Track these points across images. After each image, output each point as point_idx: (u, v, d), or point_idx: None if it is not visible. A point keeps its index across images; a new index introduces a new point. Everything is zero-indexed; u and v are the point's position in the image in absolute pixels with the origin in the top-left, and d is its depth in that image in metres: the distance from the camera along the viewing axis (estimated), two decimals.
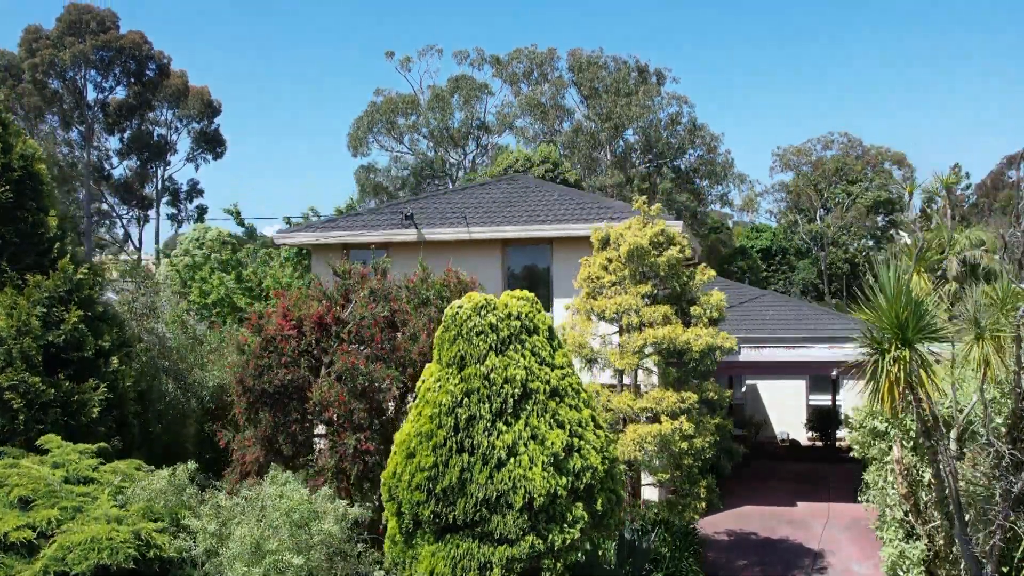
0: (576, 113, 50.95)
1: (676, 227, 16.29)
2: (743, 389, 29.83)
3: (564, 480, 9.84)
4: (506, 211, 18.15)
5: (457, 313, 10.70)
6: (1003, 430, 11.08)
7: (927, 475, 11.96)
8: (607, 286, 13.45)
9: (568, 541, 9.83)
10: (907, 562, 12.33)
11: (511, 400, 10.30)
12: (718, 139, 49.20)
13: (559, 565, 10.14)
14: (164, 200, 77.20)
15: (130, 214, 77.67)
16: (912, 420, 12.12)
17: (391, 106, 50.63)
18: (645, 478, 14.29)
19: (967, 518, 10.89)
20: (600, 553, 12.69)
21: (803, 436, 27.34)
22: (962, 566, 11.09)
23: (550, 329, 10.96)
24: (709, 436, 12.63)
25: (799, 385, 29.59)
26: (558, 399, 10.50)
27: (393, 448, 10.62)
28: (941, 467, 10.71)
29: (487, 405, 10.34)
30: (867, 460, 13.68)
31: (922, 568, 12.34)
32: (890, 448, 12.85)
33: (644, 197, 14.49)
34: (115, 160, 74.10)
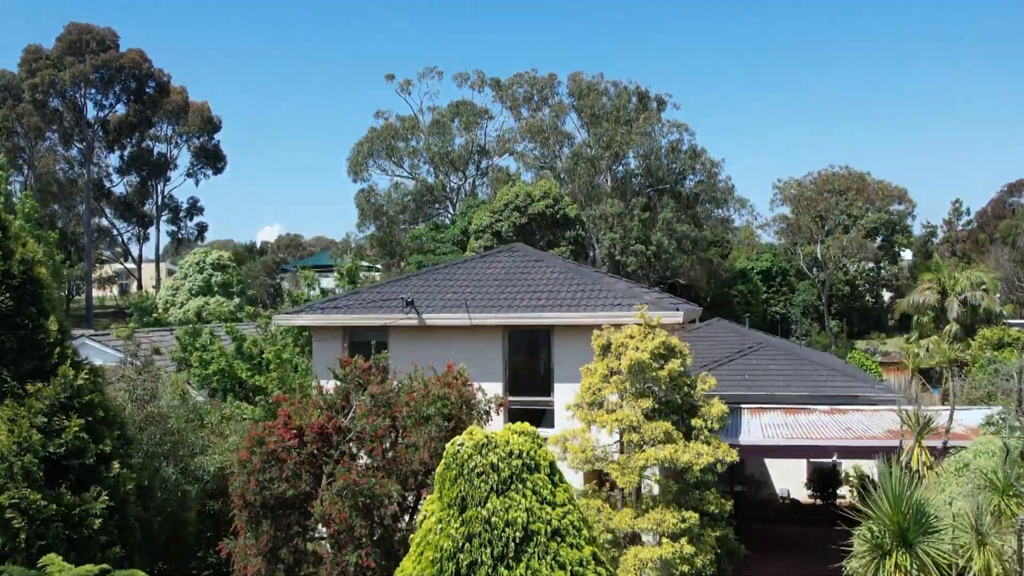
0: (576, 137, 50.91)
1: (677, 317, 16.22)
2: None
3: None
4: (507, 290, 18.11)
5: (458, 451, 10.66)
6: None
7: None
8: (608, 398, 13.46)
9: None
10: None
11: (512, 544, 10.26)
12: (718, 165, 49.17)
13: None
14: (164, 217, 77.21)
15: (130, 231, 77.70)
16: None
17: (391, 132, 50.55)
18: None
19: None
20: None
21: (804, 494, 27.31)
22: None
23: (551, 465, 10.93)
24: (710, 552, 12.64)
25: None
26: (559, 539, 10.46)
27: None
28: None
29: (488, 550, 10.30)
30: None
31: None
32: None
33: (646, 306, 14.45)
34: (115, 178, 74.09)
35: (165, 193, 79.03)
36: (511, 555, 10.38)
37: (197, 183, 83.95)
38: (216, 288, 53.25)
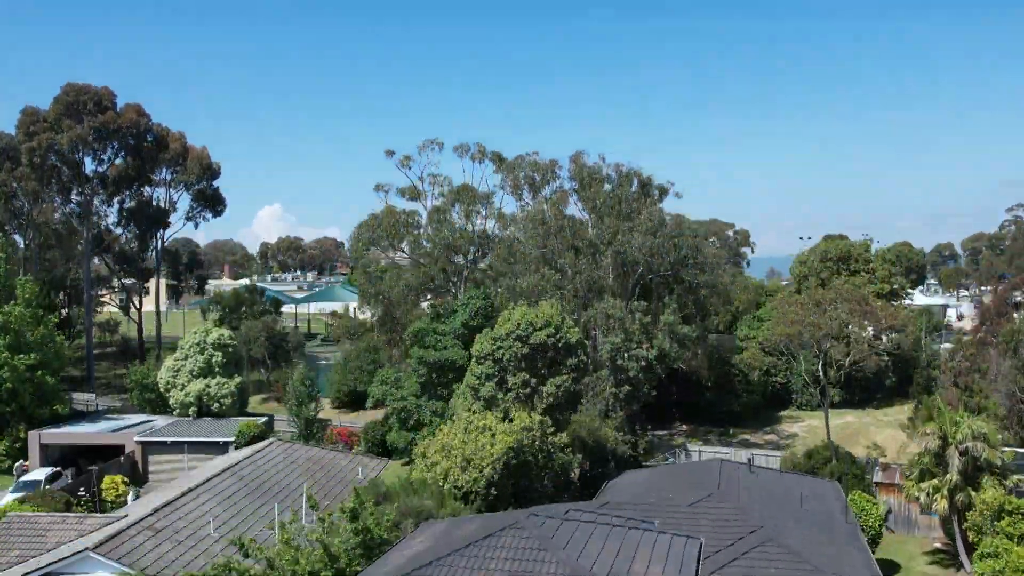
0: (576, 217, 50.66)
1: None
2: None
3: None
4: None
5: None
6: None
7: None
8: None
9: None
10: None
11: None
12: (721, 257, 48.91)
13: None
14: (163, 271, 76.90)
15: (131, 283, 77.37)
16: None
17: (392, 218, 50.27)
18: None
19: None
20: None
21: None
22: None
23: None
24: None
25: None
26: None
27: None
28: None
29: None
30: None
31: None
32: None
33: None
34: (115, 231, 73.76)
35: (166, 239, 78.84)
36: None
37: (196, 226, 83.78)
38: (217, 368, 53.13)
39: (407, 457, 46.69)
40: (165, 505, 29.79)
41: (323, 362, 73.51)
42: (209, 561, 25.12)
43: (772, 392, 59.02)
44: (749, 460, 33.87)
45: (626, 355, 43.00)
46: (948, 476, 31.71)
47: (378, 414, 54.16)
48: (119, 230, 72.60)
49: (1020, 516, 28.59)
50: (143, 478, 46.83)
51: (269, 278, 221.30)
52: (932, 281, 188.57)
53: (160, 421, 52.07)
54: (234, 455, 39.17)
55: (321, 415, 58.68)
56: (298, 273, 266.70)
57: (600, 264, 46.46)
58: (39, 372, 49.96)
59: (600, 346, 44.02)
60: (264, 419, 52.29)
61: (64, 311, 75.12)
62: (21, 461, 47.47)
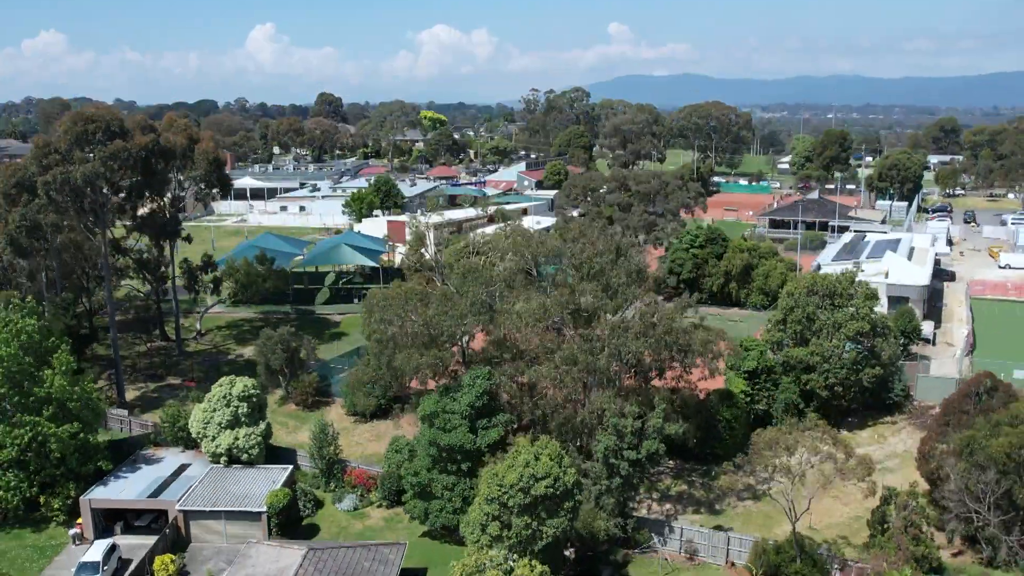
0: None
1: None
2: None
3: None
4: None
5: None
6: None
7: None
8: None
9: None
10: None
11: None
12: (709, 340, 52.23)
13: None
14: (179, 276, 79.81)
15: (150, 290, 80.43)
16: None
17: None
18: None
19: None
20: None
21: None
22: None
23: None
24: None
25: None
26: None
27: None
28: None
29: None
30: None
31: None
32: None
33: None
34: (130, 241, 76.26)
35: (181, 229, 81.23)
36: None
37: (206, 206, 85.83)
38: (244, 419, 57.60)
39: (420, 522, 52.07)
40: None
41: (336, 366, 77.83)
42: None
43: (754, 420, 63.68)
44: None
45: (618, 455, 47.36)
46: None
47: (389, 427, 58.84)
48: (132, 242, 75.07)
49: None
50: (186, 541, 52.36)
51: (270, 168, 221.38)
52: (931, 195, 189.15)
53: (195, 468, 57.12)
54: (282, 564, 43.95)
55: (335, 421, 64.07)
56: (300, 151, 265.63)
57: (591, 367, 49.92)
58: (81, 436, 54.49)
59: (596, 445, 48.35)
60: (288, 470, 57.12)
61: (85, 303, 78.73)
62: (75, 529, 52.76)
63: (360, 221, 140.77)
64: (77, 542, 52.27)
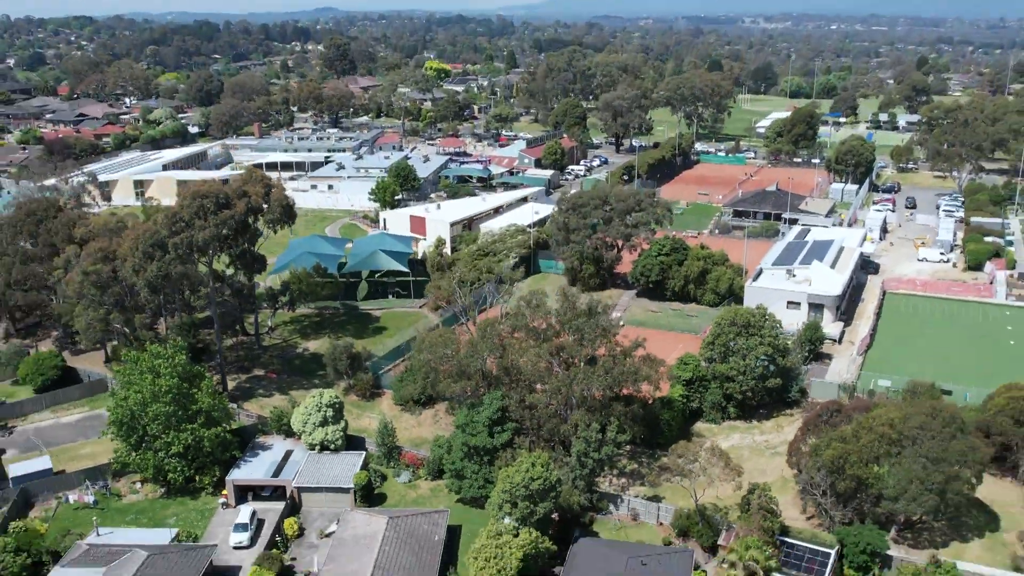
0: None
1: None
2: None
3: None
4: None
5: None
6: None
7: None
8: None
9: None
10: None
11: None
12: (656, 371, 75.64)
13: None
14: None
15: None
16: None
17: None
18: None
19: None
20: None
21: None
22: None
23: None
24: None
25: None
26: None
27: None
28: None
29: None
30: None
31: None
32: None
33: None
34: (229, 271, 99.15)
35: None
36: None
37: (275, 231, 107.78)
38: (330, 420, 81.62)
39: (455, 493, 76.34)
40: None
41: (383, 362, 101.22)
42: None
43: (688, 414, 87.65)
44: (642, 559, 63.28)
45: (588, 457, 71.41)
46: (744, 570, 61.55)
47: (434, 416, 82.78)
48: (230, 271, 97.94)
49: None
50: (299, 508, 76.89)
51: (296, 137, 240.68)
52: (886, 168, 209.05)
53: (297, 454, 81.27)
54: (372, 529, 68.29)
55: (386, 410, 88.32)
56: (320, 117, 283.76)
57: (574, 386, 73.55)
58: (222, 434, 78.64)
59: (572, 448, 72.43)
60: (363, 455, 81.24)
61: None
62: (222, 498, 77.23)
63: (384, 208, 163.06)
64: (225, 507, 76.85)
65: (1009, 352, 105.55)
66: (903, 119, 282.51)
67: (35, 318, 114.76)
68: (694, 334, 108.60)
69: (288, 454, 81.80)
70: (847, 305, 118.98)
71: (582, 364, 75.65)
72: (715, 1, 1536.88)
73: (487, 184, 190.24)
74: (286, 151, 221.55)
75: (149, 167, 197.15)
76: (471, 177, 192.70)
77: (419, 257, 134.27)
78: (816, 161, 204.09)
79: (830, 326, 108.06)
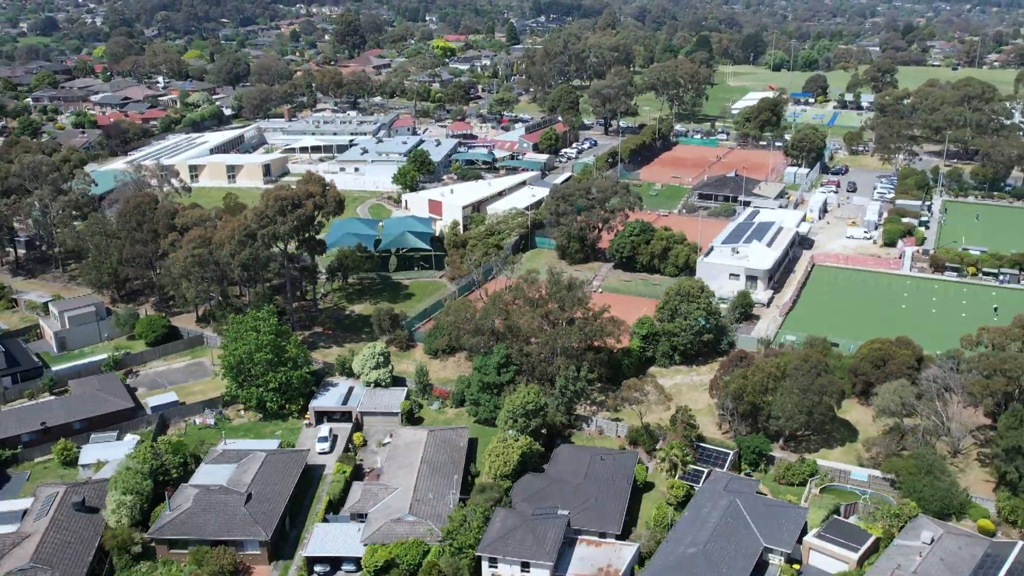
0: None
1: None
2: None
3: None
4: None
5: None
6: None
7: None
8: None
9: None
10: None
11: None
12: (619, 327, 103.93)
13: None
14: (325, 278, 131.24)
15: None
16: None
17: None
18: None
19: None
20: None
21: None
22: None
23: None
24: None
25: None
26: None
27: None
28: None
29: None
30: None
31: None
32: None
33: None
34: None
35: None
36: None
37: (327, 220, 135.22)
38: (380, 364, 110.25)
39: (473, 416, 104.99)
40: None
41: (415, 322, 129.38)
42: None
43: (646, 359, 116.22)
44: (602, 456, 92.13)
45: (568, 391, 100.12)
46: (668, 462, 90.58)
47: (456, 363, 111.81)
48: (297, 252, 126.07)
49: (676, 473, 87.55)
50: (361, 426, 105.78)
51: (321, 120, 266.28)
52: (839, 151, 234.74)
53: (357, 390, 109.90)
54: (417, 438, 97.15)
55: (419, 358, 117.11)
56: (339, 100, 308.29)
57: (557, 340, 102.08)
58: (303, 375, 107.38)
59: (555, 379, 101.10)
60: (406, 388, 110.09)
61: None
62: (306, 421, 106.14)
63: (406, 190, 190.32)
64: (308, 427, 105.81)
65: (900, 313, 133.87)
66: (868, 99, 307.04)
67: (135, 287, 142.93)
68: (657, 299, 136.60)
69: (351, 389, 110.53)
70: (780, 275, 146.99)
71: (564, 324, 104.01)
72: None
73: (491, 167, 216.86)
74: (313, 134, 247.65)
75: (199, 151, 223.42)
76: (477, 160, 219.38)
77: (438, 235, 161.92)
78: (779, 144, 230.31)
79: (761, 293, 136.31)
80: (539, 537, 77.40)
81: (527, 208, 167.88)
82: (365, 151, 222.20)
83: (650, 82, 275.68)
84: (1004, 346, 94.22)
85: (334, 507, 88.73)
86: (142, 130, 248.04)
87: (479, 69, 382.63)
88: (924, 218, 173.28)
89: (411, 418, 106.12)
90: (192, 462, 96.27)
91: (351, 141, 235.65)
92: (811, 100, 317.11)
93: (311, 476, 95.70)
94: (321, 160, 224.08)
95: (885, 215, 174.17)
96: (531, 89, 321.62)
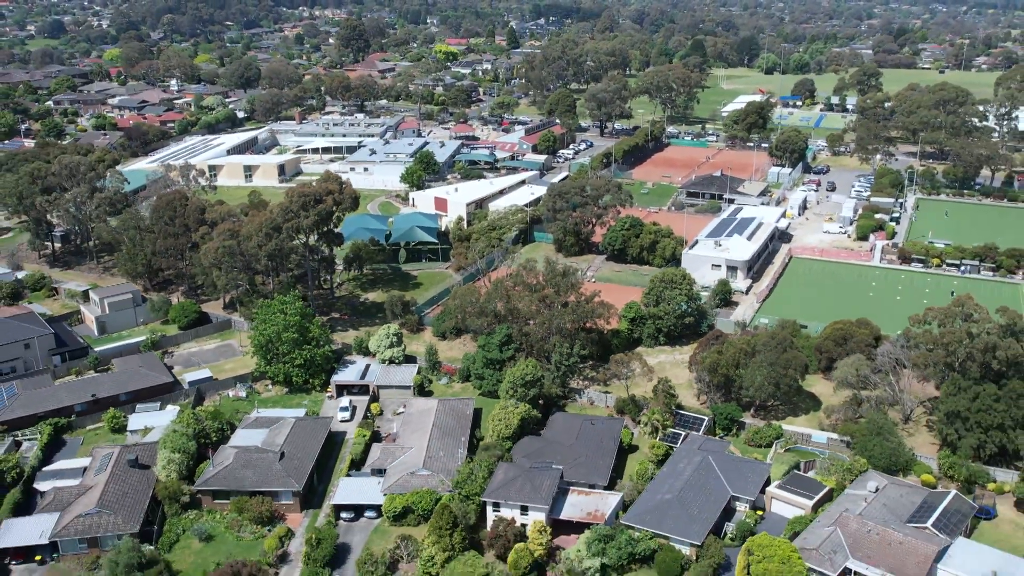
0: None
1: None
2: None
3: None
4: None
5: None
6: None
7: None
8: None
9: None
10: None
11: None
12: (608, 310, 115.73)
13: None
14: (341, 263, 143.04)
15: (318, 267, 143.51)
16: None
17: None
18: None
19: None
20: None
21: None
22: None
23: None
24: None
25: None
26: None
27: None
28: None
29: None
30: None
31: None
32: None
33: None
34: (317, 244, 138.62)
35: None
36: None
37: (343, 215, 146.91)
38: (394, 343, 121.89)
39: (477, 389, 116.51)
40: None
41: (424, 307, 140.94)
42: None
43: (634, 339, 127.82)
44: (592, 421, 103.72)
45: (562, 366, 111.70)
46: (649, 426, 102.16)
47: (462, 343, 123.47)
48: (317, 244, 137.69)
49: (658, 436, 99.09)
50: (377, 398, 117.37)
51: (331, 123, 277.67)
52: (823, 151, 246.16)
53: (373, 366, 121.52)
54: (428, 407, 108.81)
55: (428, 340, 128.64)
56: (347, 103, 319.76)
57: (553, 321, 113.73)
58: (325, 353, 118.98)
59: (551, 356, 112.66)
60: (417, 365, 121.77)
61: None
62: (328, 393, 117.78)
63: (413, 188, 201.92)
64: (330, 399, 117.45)
65: (867, 300, 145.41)
66: (853, 102, 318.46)
67: (167, 277, 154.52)
68: (645, 287, 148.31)
69: (367, 366, 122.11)
70: (759, 266, 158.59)
71: (559, 306, 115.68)
72: None
73: (493, 167, 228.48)
74: (324, 136, 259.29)
75: (216, 152, 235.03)
76: (479, 161, 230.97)
77: (443, 230, 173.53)
78: (764, 145, 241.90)
79: (741, 282, 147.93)
80: (536, 485, 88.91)
81: (526, 205, 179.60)
82: (373, 152, 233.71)
83: (644, 86, 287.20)
84: (947, 324, 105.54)
85: (356, 465, 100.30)
86: (161, 132, 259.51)
87: (480, 73, 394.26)
88: (896, 214, 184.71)
89: (422, 391, 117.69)
90: (228, 428, 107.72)
91: (360, 142, 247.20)
92: (799, 103, 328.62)
93: (334, 441, 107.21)
94: (332, 160, 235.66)
95: (860, 211, 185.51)
96: (530, 93, 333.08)
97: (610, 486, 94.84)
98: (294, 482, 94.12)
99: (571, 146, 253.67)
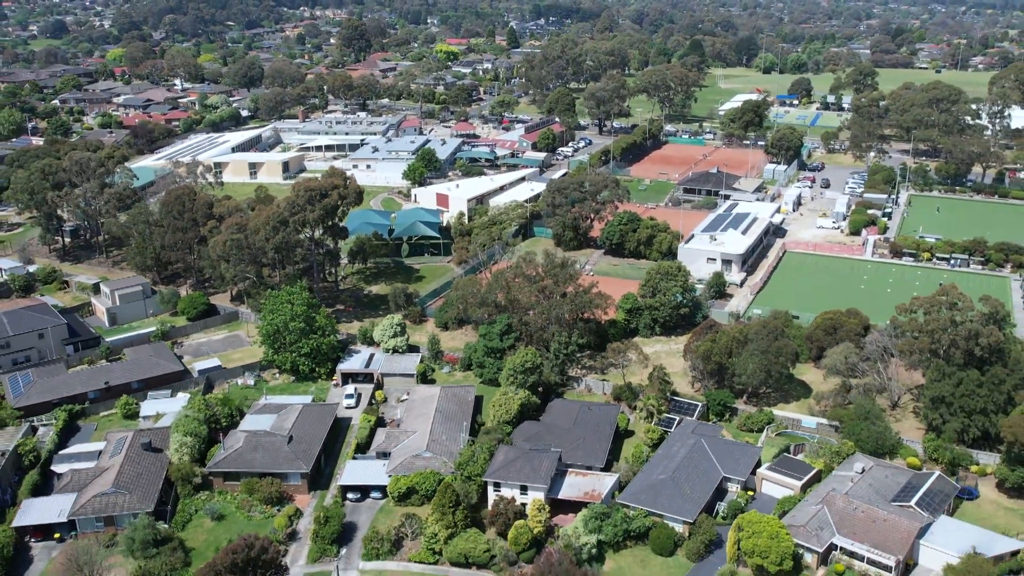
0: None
1: None
2: None
3: None
4: None
5: None
6: None
7: None
8: None
9: None
10: None
11: None
12: (605, 301, 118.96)
13: None
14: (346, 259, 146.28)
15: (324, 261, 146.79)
16: None
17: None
18: None
19: None
20: None
21: None
22: None
23: None
24: None
25: None
26: None
27: None
28: None
29: None
30: None
31: None
32: None
33: None
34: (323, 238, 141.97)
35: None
36: None
37: (348, 209, 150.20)
38: (398, 333, 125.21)
39: (479, 378, 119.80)
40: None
41: (426, 299, 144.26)
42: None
43: (630, 330, 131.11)
44: (589, 407, 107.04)
45: (561, 354, 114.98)
46: (645, 411, 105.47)
47: (464, 333, 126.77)
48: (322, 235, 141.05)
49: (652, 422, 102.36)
50: (382, 386, 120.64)
51: (334, 121, 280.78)
52: (817, 149, 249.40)
53: (377, 355, 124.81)
54: (431, 394, 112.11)
55: (430, 330, 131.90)
56: (350, 101, 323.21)
57: (551, 311, 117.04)
58: (331, 343, 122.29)
59: (550, 344, 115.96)
60: (420, 354, 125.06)
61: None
62: (334, 381, 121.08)
63: (415, 185, 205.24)
64: (336, 387, 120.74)
65: (859, 293, 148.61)
66: (848, 100, 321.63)
67: (175, 270, 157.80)
68: (641, 280, 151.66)
69: (372, 355, 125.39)
70: (754, 260, 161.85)
71: (558, 297, 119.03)
72: None
73: (493, 164, 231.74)
74: (327, 134, 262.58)
75: (221, 150, 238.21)
76: (480, 158, 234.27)
77: (445, 225, 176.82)
78: (761, 143, 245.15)
79: (735, 275, 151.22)
80: (535, 466, 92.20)
81: (526, 201, 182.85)
82: (376, 149, 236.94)
83: (642, 85, 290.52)
84: (932, 312, 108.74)
85: (362, 449, 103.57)
86: (166, 130, 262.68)
87: (481, 72, 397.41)
88: (888, 210, 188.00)
89: (425, 379, 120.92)
90: (237, 414, 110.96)
91: (362, 140, 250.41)
92: (795, 102, 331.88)
93: (340, 426, 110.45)
94: (335, 158, 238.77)
95: (853, 207, 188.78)
96: (530, 91, 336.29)
97: (607, 468, 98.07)
98: (302, 464, 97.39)
99: (570, 144, 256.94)
